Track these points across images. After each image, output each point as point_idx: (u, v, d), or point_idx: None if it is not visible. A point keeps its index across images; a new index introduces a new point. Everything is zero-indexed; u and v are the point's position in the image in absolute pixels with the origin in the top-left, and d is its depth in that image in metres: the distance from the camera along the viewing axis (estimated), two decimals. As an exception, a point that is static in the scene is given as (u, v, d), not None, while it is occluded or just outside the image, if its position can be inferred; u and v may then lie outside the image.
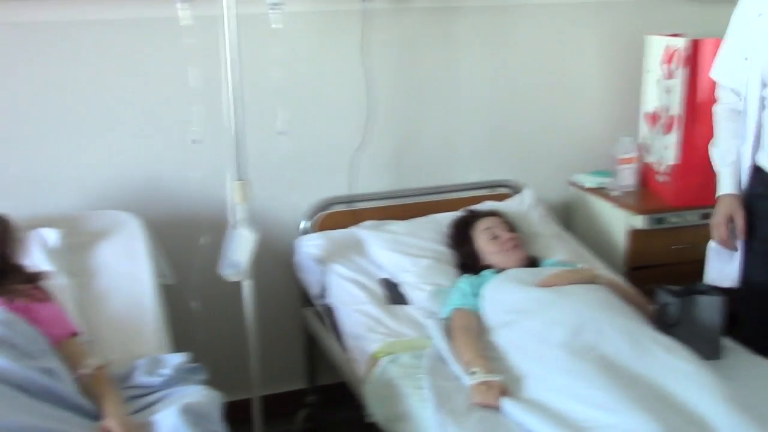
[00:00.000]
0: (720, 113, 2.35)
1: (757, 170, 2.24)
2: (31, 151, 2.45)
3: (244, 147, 2.25)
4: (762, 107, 2.17)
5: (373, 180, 2.81)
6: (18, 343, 1.69)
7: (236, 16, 2.17)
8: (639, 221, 2.68)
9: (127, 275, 2.17)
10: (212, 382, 1.91)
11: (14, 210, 2.14)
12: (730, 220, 2.27)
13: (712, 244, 2.39)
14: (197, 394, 1.73)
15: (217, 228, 2.36)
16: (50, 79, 2.43)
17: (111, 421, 1.64)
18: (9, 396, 1.55)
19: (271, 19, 2.23)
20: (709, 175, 2.67)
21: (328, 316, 2.48)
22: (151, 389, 1.80)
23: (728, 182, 2.30)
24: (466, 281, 2.33)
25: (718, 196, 2.33)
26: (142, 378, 1.81)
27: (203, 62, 2.27)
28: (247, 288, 2.33)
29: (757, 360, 2.09)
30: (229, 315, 2.58)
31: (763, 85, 2.15)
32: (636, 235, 2.71)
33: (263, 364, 2.45)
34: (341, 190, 2.75)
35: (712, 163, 2.37)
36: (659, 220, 2.69)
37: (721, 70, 2.34)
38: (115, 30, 2.45)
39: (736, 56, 2.23)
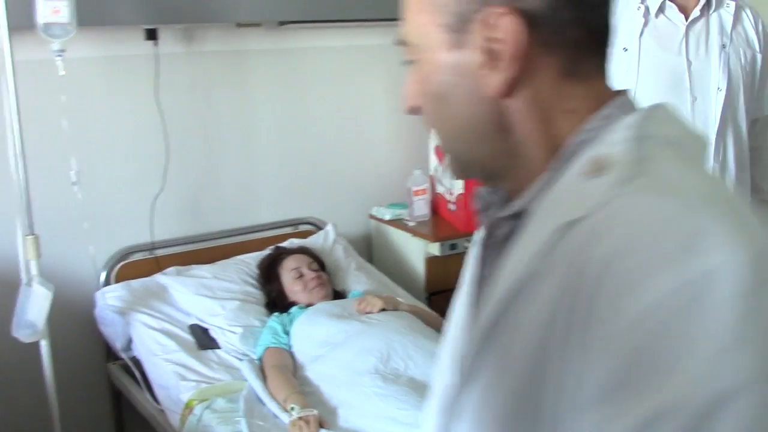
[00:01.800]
0: None
1: None
2: None
3: (34, 199, 2.14)
4: None
5: (173, 225, 2.76)
6: None
7: (20, 63, 2.07)
8: (435, 248, 2.85)
9: None
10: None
11: None
12: None
13: None
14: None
15: (6, 288, 2.21)
16: None
17: None
18: None
19: (52, 66, 2.15)
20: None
21: (135, 368, 2.40)
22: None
23: None
24: (275, 320, 2.35)
25: None
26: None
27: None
28: (45, 348, 2.20)
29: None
30: (25, 379, 2.41)
31: None
32: (433, 261, 2.87)
33: (68, 426, 2.31)
34: (141, 237, 2.67)
35: None
36: (453, 246, 2.87)
37: None
38: None
39: None
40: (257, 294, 2.55)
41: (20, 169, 2.10)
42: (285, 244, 2.78)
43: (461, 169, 0.78)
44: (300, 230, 2.97)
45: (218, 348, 2.38)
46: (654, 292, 0.55)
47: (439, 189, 3.07)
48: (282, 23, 2.83)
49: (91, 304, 2.56)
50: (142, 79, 2.61)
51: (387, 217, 3.05)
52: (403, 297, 2.64)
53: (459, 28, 0.69)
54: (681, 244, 0.56)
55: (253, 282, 2.59)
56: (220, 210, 2.87)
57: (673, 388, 0.53)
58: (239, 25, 2.76)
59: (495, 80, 0.68)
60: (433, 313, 2.52)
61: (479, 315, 0.71)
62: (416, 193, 2.99)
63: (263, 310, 2.49)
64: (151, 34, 2.58)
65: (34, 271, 2.15)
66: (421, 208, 3.01)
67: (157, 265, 2.65)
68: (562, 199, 0.66)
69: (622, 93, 0.72)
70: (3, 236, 2.26)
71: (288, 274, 2.51)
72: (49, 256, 2.24)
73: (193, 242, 2.78)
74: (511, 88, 0.68)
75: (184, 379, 2.21)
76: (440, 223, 3.02)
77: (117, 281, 2.60)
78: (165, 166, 2.65)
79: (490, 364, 0.68)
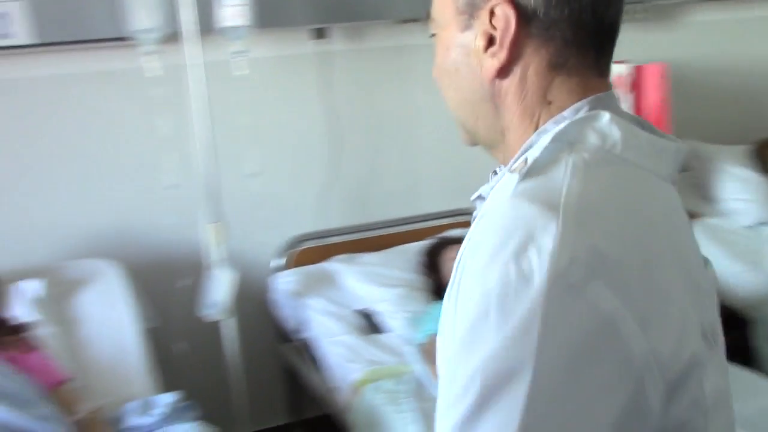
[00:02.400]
0: None
1: None
2: (5, 205, 2.49)
3: (217, 190, 2.32)
4: None
5: (342, 215, 2.89)
6: (13, 393, 1.72)
7: (205, 64, 2.25)
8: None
9: (110, 321, 2.22)
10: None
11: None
12: None
13: None
14: (194, 430, 1.78)
15: (194, 270, 2.42)
16: (22, 133, 2.48)
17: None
18: (10, 445, 1.58)
19: (233, 66, 2.33)
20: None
21: (307, 350, 2.54)
22: (146, 429, 1.84)
23: None
24: (439, 307, 2.41)
25: None
26: (135, 419, 1.86)
27: (172, 110, 2.35)
28: (228, 327, 2.39)
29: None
30: (209, 355, 2.62)
31: None
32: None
33: (246, 401, 2.49)
34: (311, 226, 2.82)
35: None
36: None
37: None
38: (83, 83, 2.52)
39: None
40: (420, 281, 2.62)
41: (204, 162, 2.29)
42: (449, 233, 2.83)
43: (468, 136, 0.89)
44: (461, 220, 3.01)
45: (384, 332, 2.47)
46: (487, 282, 0.67)
47: (604, 179, 3.01)
48: (405, 21, 2.88)
49: (266, 288, 2.73)
50: (312, 76, 2.75)
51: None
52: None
53: (470, 12, 0.79)
54: (517, 245, 0.66)
55: (417, 270, 2.66)
56: (385, 201, 2.97)
57: (478, 355, 0.66)
58: (401, 21, 2.84)
59: (491, 63, 0.78)
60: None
61: None
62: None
63: (427, 297, 2.55)
64: (320, 33, 2.72)
65: (217, 255, 2.33)
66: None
67: (326, 253, 2.79)
68: (494, 192, 0.79)
69: (603, 89, 0.80)
70: (190, 223, 2.46)
71: (448, 263, 2.56)
72: (233, 242, 2.42)
73: (359, 231, 2.90)
74: (503, 72, 0.78)
75: (352, 360, 2.32)
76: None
77: (290, 267, 2.76)
78: (335, 159, 2.78)
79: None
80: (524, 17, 0.76)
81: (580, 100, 0.78)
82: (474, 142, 0.89)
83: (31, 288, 2.21)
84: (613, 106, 0.79)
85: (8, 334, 1.96)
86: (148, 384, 2.07)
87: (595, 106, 0.77)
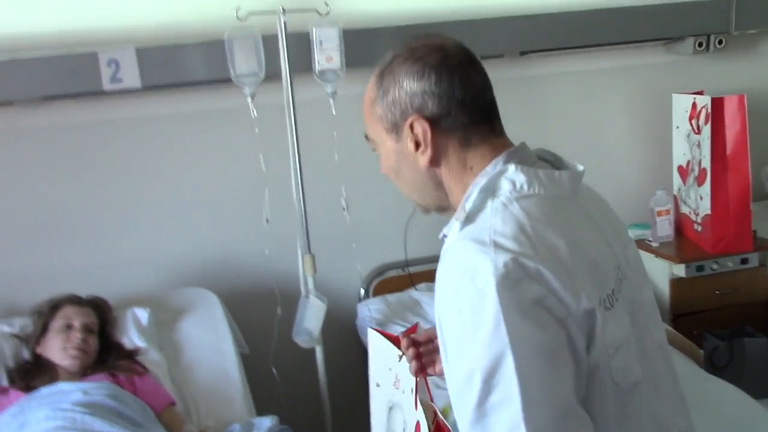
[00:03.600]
0: None
1: None
2: (116, 237, 2.68)
3: (312, 223, 2.46)
4: None
5: (424, 245, 2.97)
6: (128, 414, 1.87)
7: (301, 103, 2.39)
8: (680, 270, 2.81)
9: (212, 347, 2.36)
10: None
11: (103, 291, 2.35)
12: None
13: None
14: (291, 452, 1.89)
15: (287, 299, 2.55)
16: (133, 170, 2.67)
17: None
18: (128, 462, 1.72)
19: (327, 106, 2.46)
20: (743, 224, 2.81)
21: (392, 375, 2.63)
22: (248, 451, 1.96)
23: None
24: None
25: None
26: (238, 441, 1.98)
27: (269, 148, 2.49)
28: (320, 354, 2.50)
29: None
30: (298, 380, 2.73)
31: None
32: (678, 283, 2.84)
33: (336, 422, 2.59)
34: (396, 256, 2.91)
35: None
36: (699, 268, 2.81)
37: None
38: (185, 122, 2.69)
39: None
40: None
41: (301, 197, 2.43)
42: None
43: (423, 208, 1.23)
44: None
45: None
46: (460, 303, 0.98)
47: (684, 209, 3.02)
48: (523, 53, 2.97)
49: (353, 315, 2.84)
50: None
51: (629, 238, 3.05)
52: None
53: (396, 129, 1.14)
54: (470, 275, 0.97)
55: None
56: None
57: (471, 357, 0.95)
58: (483, 57, 2.91)
59: (423, 158, 1.12)
60: (679, 336, 2.50)
61: None
62: (659, 213, 2.97)
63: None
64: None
65: (310, 285, 2.46)
66: (664, 228, 2.98)
67: (410, 281, 2.88)
68: (449, 233, 1.09)
69: (509, 145, 1.14)
70: (288, 255, 2.60)
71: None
72: (322, 272, 2.54)
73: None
74: (434, 161, 1.12)
75: (438, 387, 2.39)
76: (685, 244, 2.97)
77: (374, 295, 2.86)
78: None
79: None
80: (432, 122, 1.10)
81: (493, 158, 1.11)
82: (428, 211, 1.23)
83: (140, 315, 2.38)
84: (520, 155, 1.12)
85: (123, 358, 2.13)
86: (245, 407, 2.20)
87: (507, 160, 1.10)
